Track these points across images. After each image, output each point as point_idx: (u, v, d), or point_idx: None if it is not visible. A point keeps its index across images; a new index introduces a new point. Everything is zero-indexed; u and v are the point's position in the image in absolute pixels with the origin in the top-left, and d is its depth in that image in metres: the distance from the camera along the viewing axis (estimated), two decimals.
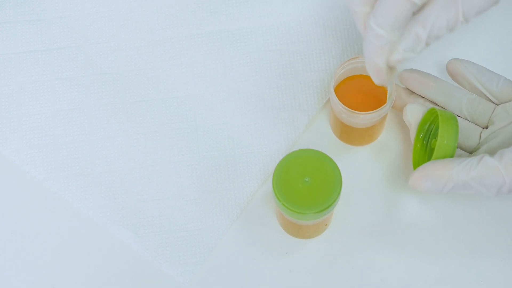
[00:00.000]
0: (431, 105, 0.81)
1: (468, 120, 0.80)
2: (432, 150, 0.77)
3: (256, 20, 0.87)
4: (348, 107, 0.76)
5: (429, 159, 0.78)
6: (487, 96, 0.79)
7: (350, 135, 0.81)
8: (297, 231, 0.78)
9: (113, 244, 0.80)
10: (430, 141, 0.78)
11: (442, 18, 0.67)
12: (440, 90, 0.80)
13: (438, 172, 0.72)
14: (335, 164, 0.73)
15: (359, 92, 0.80)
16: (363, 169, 0.82)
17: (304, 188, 0.72)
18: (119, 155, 0.82)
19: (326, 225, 0.79)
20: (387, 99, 0.77)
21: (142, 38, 0.87)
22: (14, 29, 0.87)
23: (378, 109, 0.76)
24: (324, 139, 0.83)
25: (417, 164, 0.79)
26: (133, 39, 0.87)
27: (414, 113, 0.78)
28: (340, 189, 0.72)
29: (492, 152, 0.76)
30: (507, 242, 0.79)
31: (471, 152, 0.79)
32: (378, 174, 0.82)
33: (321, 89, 0.84)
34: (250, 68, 0.85)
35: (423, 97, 0.81)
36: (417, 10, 0.68)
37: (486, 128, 0.79)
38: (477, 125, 0.80)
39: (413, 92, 0.82)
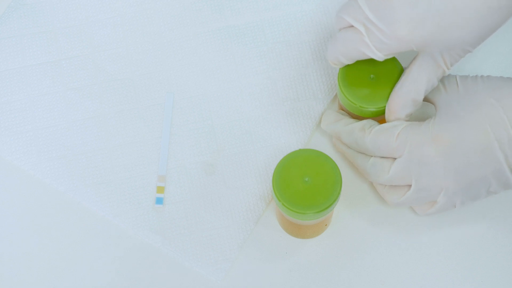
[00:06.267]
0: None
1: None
2: None
3: (262, 13, 0.87)
4: None
5: None
6: None
7: None
8: (297, 231, 0.79)
9: (141, 249, 0.80)
10: None
11: (433, 77, 0.74)
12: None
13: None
14: (335, 164, 0.73)
15: None
16: None
17: (304, 188, 0.72)
18: (139, 160, 0.82)
19: (326, 225, 0.79)
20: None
21: (149, 41, 0.86)
22: (20, 43, 0.86)
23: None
24: (325, 139, 0.84)
25: None
26: (141, 43, 0.86)
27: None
28: (340, 189, 0.72)
29: None
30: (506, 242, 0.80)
31: None
32: None
33: (333, 77, 0.85)
34: (260, 62, 0.85)
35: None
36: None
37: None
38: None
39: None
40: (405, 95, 0.75)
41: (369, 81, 0.77)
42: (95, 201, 0.81)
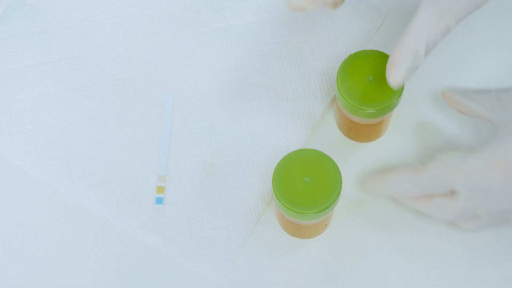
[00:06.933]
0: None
1: None
2: None
3: (262, 14, 0.87)
4: None
5: None
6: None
7: (358, 131, 0.82)
8: (297, 231, 0.79)
9: (141, 249, 0.80)
10: None
11: (435, 28, 0.69)
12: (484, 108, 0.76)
13: None
14: (335, 164, 0.73)
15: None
16: (365, 168, 0.82)
17: (304, 188, 0.72)
18: (139, 160, 0.82)
19: (326, 225, 0.79)
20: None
21: (149, 41, 0.87)
22: (20, 43, 0.86)
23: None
24: (325, 139, 0.84)
25: None
26: (141, 43, 0.87)
27: None
28: (340, 189, 0.72)
29: None
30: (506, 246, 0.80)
31: None
32: None
33: (333, 76, 0.85)
34: (261, 62, 0.85)
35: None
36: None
37: None
38: None
39: None
40: (405, 45, 0.70)
41: (368, 83, 0.77)
42: (95, 201, 0.81)
